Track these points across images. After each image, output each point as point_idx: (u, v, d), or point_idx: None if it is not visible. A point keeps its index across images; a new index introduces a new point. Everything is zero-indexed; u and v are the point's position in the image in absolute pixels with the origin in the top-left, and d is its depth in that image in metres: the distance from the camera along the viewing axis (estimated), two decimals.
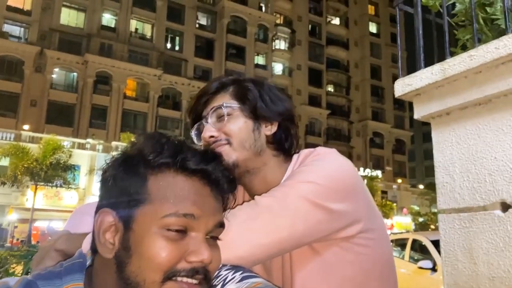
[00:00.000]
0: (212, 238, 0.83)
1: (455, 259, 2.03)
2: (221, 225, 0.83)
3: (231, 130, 1.15)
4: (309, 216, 1.01)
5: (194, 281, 0.77)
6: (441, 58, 2.11)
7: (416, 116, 2.20)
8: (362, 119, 51.39)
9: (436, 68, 2.04)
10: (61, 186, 25.78)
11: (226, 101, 1.17)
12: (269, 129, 1.19)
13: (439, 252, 7.18)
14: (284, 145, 1.20)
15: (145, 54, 39.39)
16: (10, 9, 34.71)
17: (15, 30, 35.37)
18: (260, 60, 45.49)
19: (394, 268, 1.21)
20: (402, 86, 2.15)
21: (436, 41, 2.19)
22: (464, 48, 2.23)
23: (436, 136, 2.14)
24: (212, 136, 1.15)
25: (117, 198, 0.79)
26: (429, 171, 58.60)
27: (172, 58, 40.65)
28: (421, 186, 47.41)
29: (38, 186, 24.38)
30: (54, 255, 1.02)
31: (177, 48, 41.86)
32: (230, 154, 1.13)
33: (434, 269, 7.67)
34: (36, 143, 26.86)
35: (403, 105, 52.15)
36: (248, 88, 1.19)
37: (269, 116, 1.19)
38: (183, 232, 0.77)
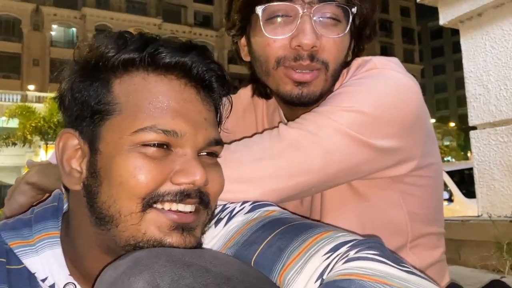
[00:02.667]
0: (209, 155, 0.65)
1: (491, 178, 1.84)
2: (217, 143, 0.65)
3: (334, 52, 0.84)
4: (346, 156, 0.78)
5: (187, 208, 0.60)
6: None
7: (441, 21, 1.94)
8: (370, 55, 50.28)
9: None
10: None
11: None
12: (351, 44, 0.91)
13: (454, 182, 7.09)
14: (347, 58, 0.91)
15: (143, 3, 38.33)
16: None
17: None
18: None
19: (442, 208, 0.99)
20: None
21: None
22: None
23: (466, 42, 1.88)
24: (314, 46, 0.82)
25: (78, 114, 0.62)
26: (440, 105, 58.03)
27: (171, 5, 39.52)
28: (432, 120, 47.19)
29: (48, 145, 24.61)
30: (25, 188, 0.85)
31: None
32: (320, 85, 0.85)
33: (450, 200, 7.82)
34: (42, 102, 26.84)
35: (412, 38, 50.68)
36: None
37: (369, 32, 0.91)
38: (165, 147, 0.59)
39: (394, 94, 0.81)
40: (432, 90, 61.61)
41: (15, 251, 0.64)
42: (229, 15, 0.92)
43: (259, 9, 0.83)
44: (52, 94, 26.47)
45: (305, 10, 0.81)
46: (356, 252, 0.54)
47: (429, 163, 0.88)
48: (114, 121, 0.60)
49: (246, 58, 0.95)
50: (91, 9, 35.51)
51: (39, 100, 28.89)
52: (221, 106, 0.70)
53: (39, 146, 25.56)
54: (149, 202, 0.58)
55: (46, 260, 0.64)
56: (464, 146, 33.51)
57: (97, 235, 0.62)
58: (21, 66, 33.63)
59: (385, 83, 0.82)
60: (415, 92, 0.83)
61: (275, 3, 0.82)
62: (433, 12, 2.11)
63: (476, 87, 1.70)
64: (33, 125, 23.01)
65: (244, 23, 0.90)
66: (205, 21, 40.52)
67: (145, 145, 0.59)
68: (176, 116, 0.60)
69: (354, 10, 0.85)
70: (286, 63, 0.84)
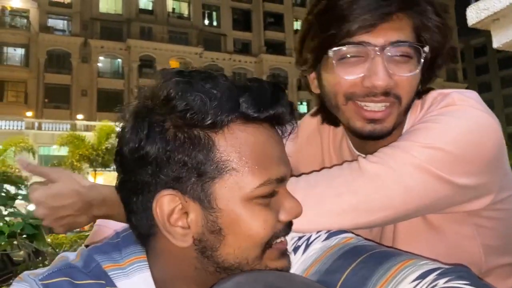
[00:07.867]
0: None
1: None
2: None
3: (407, 88, 0.85)
4: (426, 192, 0.79)
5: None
6: None
7: (495, 45, 1.92)
8: None
9: None
10: None
11: (409, 37, 0.84)
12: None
13: None
14: (419, 88, 0.91)
15: (184, 33, 39.51)
16: (52, 3, 35.89)
17: (59, 23, 36.52)
18: (299, 25, 44.38)
19: None
20: (477, 12, 1.87)
21: None
22: None
23: None
24: (387, 87, 0.83)
25: (176, 176, 0.61)
26: None
27: (211, 34, 40.54)
28: None
29: (97, 172, 25.47)
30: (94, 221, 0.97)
31: (214, 23, 41.65)
32: (393, 120, 0.86)
33: None
34: (91, 131, 27.93)
35: (455, 56, 49.52)
36: (433, 21, 0.86)
37: (440, 62, 0.91)
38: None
39: (475, 132, 0.81)
40: None
41: (109, 273, 0.66)
42: (301, 52, 0.94)
43: (331, 52, 0.85)
44: (100, 123, 27.55)
45: (377, 52, 0.82)
46: (446, 282, 0.54)
47: (506, 196, 0.88)
48: (228, 179, 0.61)
49: (316, 90, 0.97)
50: (136, 40, 36.92)
51: (87, 128, 30.10)
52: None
53: (87, 173, 26.49)
54: (268, 245, 0.64)
55: (137, 284, 0.66)
56: None
57: (201, 277, 0.64)
58: (70, 97, 35.23)
59: (465, 121, 0.81)
60: (494, 130, 0.83)
61: (348, 47, 0.84)
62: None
63: None
64: (80, 153, 23.94)
65: (316, 62, 0.91)
66: (244, 48, 41.26)
67: (262, 197, 0.63)
68: (280, 163, 0.65)
69: (426, 49, 0.86)
70: (356, 99, 0.85)
